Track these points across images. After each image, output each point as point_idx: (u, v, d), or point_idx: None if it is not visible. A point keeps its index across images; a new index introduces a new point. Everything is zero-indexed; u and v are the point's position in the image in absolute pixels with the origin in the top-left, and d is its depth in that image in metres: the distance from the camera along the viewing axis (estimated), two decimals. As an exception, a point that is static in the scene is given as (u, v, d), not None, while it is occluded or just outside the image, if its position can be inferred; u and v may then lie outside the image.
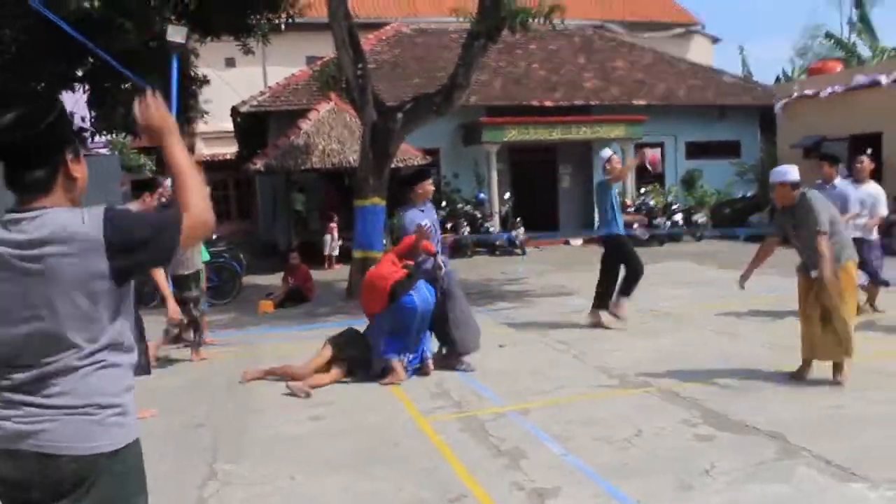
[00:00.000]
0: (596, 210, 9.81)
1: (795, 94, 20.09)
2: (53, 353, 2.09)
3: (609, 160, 9.00)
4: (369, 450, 5.16)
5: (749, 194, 21.38)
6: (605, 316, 8.88)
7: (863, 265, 7.74)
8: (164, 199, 7.61)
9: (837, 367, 6.18)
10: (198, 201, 2.24)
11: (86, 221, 2.09)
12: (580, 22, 26.43)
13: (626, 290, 8.84)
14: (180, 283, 7.87)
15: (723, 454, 4.77)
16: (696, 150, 23.12)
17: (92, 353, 2.12)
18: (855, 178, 9.14)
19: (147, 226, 2.17)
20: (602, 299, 8.92)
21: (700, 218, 20.32)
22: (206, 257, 9.21)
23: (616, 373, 6.86)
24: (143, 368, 6.59)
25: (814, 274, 6.05)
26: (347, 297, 11.71)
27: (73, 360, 2.10)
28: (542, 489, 4.33)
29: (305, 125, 17.86)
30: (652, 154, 8.51)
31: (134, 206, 6.49)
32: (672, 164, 22.97)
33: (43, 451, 2.07)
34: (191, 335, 8.11)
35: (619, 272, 8.89)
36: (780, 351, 7.18)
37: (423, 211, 7.26)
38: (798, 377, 6.32)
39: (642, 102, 21.94)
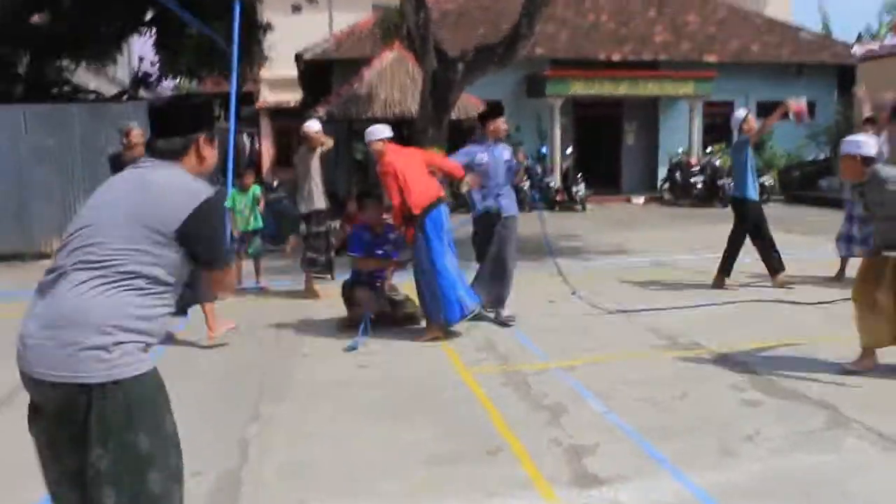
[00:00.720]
0: (732, 171, 9.40)
1: (878, 51, 19.20)
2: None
3: (745, 120, 8.65)
4: (411, 399, 5.19)
5: (821, 157, 20.68)
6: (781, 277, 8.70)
7: None
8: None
9: None
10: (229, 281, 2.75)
11: (191, 194, 2.40)
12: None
13: (768, 259, 8.65)
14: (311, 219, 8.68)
15: (769, 421, 4.66)
16: (769, 111, 22.29)
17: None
18: None
19: (215, 237, 2.48)
20: (727, 264, 8.68)
21: (767, 181, 19.76)
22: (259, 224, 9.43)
23: (666, 333, 6.75)
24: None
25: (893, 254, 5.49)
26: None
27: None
28: (579, 446, 4.29)
29: (368, 74, 17.83)
30: (797, 104, 7.90)
31: None
32: (741, 123, 22.27)
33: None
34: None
35: (744, 238, 8.63)
36: (838, 320, 6.96)
37: (486, 149, 7.09)
38: (859, 367, 5.66)
39: (713, 59, 21.30)
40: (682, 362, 5.95)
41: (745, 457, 4.16)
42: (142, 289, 2.31)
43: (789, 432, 4.46)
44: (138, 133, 7.25)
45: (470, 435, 4.52)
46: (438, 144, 11.94)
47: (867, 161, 5.43)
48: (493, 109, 7.40)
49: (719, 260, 8.77)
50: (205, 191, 2.42)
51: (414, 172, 6.50)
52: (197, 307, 6.34)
